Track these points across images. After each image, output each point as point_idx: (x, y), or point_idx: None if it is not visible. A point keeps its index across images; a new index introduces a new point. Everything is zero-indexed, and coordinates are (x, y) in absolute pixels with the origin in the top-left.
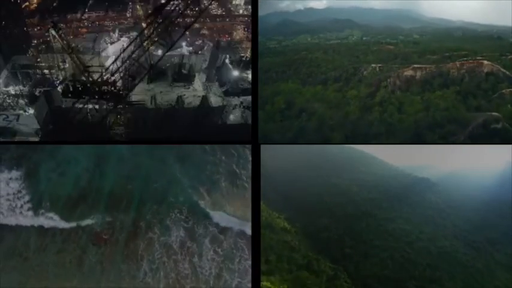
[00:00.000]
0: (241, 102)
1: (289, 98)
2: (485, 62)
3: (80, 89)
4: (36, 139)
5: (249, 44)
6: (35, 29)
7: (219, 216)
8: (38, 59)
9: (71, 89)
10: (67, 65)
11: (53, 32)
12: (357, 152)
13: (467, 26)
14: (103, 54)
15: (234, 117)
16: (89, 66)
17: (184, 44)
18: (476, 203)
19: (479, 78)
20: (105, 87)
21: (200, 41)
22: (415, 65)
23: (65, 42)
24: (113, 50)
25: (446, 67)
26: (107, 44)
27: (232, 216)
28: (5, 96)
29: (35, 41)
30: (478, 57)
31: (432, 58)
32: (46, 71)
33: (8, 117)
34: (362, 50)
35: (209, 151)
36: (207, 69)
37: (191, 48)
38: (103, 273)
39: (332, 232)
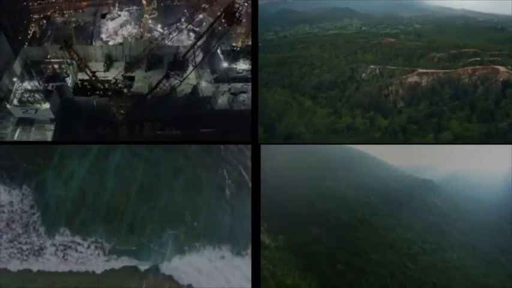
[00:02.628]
0: (229, 89)
1: (274, 116)
2: (501, 68)
3: (88, 87)
4: (51, 126)
5: (243, 30)
6: (35, 4)
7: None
8: (48, 55)
9: (80, 87)
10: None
11: (65, 50)
12: (355, 152)
13: (468, 14)
14: (103, 30)
15: (221, 101)
16: (95, 72)
17: (183, 19)
18: (481, 206)
19: (495, 89)
20: (108, 85)
21: (200, 16)
22: (420, 70)
23: (75, 56)
24: (113, 25)
25: (456, 73)
26: (107, 20)
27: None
28: (23, 91)
29: (36, 16)
30: (489, 59)
31: (438, 56)
32: (56, 66)
33: (27, 110)
34: (360, 43)
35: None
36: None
37: (190, 25)
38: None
39: (322, 245)
